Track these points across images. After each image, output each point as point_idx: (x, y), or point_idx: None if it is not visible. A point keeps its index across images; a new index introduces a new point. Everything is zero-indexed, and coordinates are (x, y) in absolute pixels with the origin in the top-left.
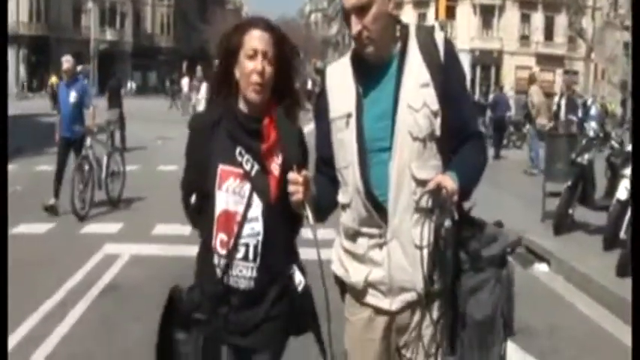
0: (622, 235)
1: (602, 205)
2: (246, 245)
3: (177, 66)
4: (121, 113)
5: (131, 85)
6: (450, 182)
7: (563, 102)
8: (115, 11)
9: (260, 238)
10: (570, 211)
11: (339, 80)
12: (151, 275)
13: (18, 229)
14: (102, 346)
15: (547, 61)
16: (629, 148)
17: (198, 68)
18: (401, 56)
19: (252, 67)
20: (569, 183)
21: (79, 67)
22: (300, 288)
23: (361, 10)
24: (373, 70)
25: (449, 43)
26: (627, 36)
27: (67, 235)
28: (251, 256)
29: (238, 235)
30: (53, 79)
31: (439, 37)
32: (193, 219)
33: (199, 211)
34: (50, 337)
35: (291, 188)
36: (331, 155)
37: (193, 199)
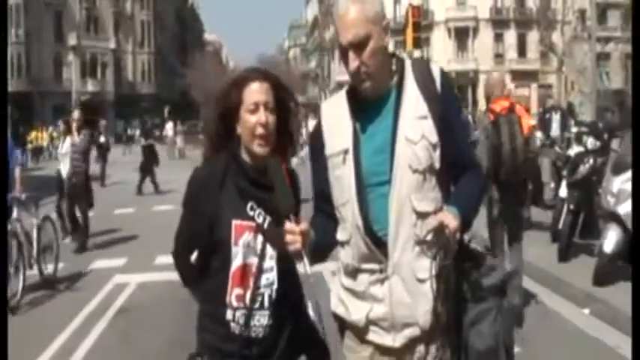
0: (560, 226)
1: (551, 205)
2: (262, 295)
3: (159, 112)
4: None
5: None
6: (451, 220)
7: (555, 116)
8: (95, 62)
9: (274, 287)
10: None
11: (335, 116)
12: (157, 297)
13: (32, 270)
14: (122, 355)
15: (522, 76)
16: (570, 151)
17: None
18: (398, 89)
19: (255, 119)
20: None
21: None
22: (316, 316)
23: (358, 46)
24: (370, 105)
25: (444, 75)
26: (596, 47)
27: (78, 272)
28: (266, 304)
29: (256, 287)
30: (33, 135)
31: (435, 68)
32: (190, 277)
33: (202, 267)
34: (78, 351)
35: (288, 238)
36: (329, 192)
37: (194, 256)
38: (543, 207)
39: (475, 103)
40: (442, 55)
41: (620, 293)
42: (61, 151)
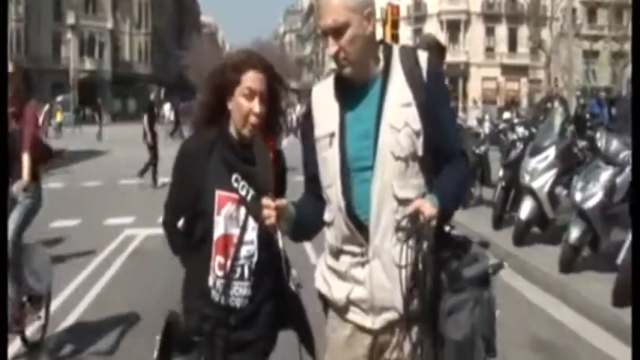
0: (495, 198)
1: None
2: (242, 266)
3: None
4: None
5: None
6: (428, 207)
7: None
8: (93, 41)
9: (254, 259)
10: (472, 189)
11: (324, 100)
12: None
13: (54, 224)
14: (138, 282)
15: (512, 71)
16: (513, 136)
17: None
18: (384, 76)
19: (249, 107)
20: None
21: (59, 98)
22: (294, 287)
23: (337, 32)
24: (356, 90)
25: (432, 62)
26: (583, 45)
27: (94, 226)
28: (246, 275)
29: (235, 258)
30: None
31: (422, 56)
32: (178, 243)
33: (188, 234)
34: (101, 279)
35: (264, 212)
36: (317, 174)
37: (181, 222)
38: (490, 186)
39: (465, 95)
40: None
41: (532, 251)
42: None
